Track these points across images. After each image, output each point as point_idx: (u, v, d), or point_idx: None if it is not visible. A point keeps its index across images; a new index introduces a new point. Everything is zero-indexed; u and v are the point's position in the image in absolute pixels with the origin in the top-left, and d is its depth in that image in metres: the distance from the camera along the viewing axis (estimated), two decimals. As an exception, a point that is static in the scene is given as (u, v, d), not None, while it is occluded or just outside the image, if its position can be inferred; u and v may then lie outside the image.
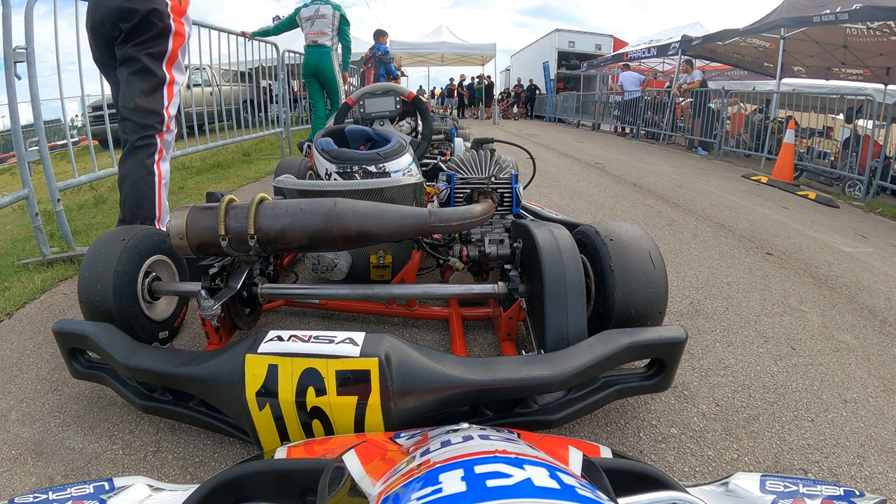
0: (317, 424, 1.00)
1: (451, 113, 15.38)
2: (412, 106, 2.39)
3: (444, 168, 2.07)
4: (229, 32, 4.98)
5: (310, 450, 0.77)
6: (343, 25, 5.45)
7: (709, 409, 1.38)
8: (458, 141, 3.00)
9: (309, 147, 2.28)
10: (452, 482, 0.46)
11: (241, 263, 1.46)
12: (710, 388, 1.49)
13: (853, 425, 1.34)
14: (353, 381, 0.98)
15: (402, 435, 0.76)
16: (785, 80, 8.50)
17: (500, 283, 1.48)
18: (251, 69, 6.04)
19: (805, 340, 1.82)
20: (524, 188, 2.08)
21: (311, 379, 0.98)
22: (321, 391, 0.98)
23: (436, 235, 1.85)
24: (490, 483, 0.45)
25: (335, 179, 1.75)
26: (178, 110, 2.35)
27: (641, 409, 1.37)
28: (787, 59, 7.99)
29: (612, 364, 1.13)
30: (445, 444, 0.59)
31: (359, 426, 0.99)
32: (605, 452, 0.73)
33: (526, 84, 19.19)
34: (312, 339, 1.03)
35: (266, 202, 1.26)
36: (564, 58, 18.00)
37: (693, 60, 9.35)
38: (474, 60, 17.06)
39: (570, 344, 1.18)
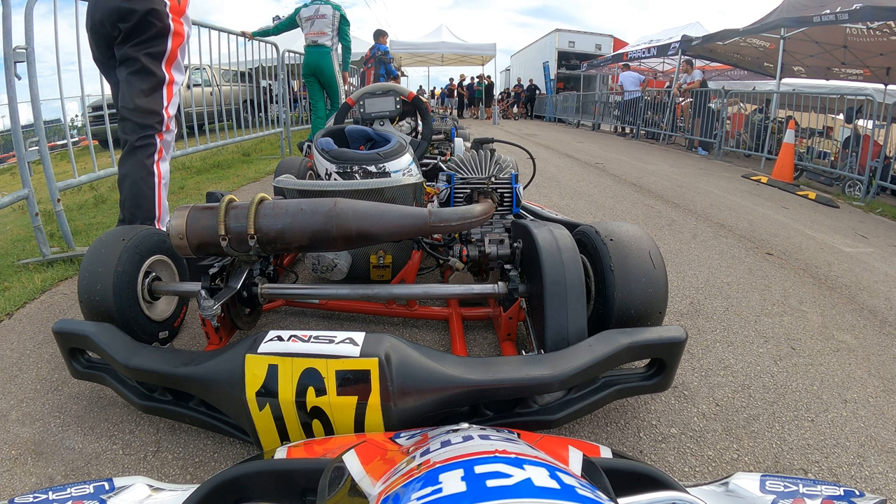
0: (317, 424, 1.00)
1: (451, 113, 15.38)
2: (412, 106, 2.39)
3: (444, 168, 2.07)
4: (229, 32, 4.98)
5: (310, 450, 0.77)
6: (343, 25, 5.45)
7: (709, 409, 1.38)
8: (458, 141, 3.00)
9: (309, 147, 2.28)
10: (452, 482, 0.46)
11: (241, 263, 1.46)
12: (710, 388, 1.49)
13: (853, 425, 1.34)
14: (353, 381, 0.98)
15: (402, 435, 0.76)
16: (785, 80, 8.50)
17: (500, 283, 1.48)
18: (251, 69, 6.04)
19: (805, 340, 1.82)
20: (524, 188, 2.08)
21: (311, 379, 0.98)
22: (321, 391, 0.98)
23: (436, 235, 1.85)
24: (490, 483, 0.45)
25: (335, 179, 1.75)
26: (178, 110, 2.35)
27: (641, 409, 1.37)
28: (787, 59, 7.99)
29: (612, 364, 1.13)
30: (445, 444, 0.59)
31: (359, 426, 0.99)
32: (605, 452, 0.73)
33: (526, 84, 19.19)
34: (312, 339, 1.03)
35: (266, 202, 1.26)
36: (564, 58, 18.00)
37: (693, 60, 9.35)
38: (474, 60, 17.06)
39: (570, 344, 1.18)
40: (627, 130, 10.89)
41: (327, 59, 5.41)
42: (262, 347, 1.02)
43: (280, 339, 1.04)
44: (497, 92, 18.10)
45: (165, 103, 2.13)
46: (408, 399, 1.00)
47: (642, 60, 12.14)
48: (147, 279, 1.49)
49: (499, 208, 1.97)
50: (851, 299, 2.24)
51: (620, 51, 13.67)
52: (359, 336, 1.04)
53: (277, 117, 6.49)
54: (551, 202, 3.88)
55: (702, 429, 1.30)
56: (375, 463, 0.62)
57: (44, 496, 0.66)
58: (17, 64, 2.23)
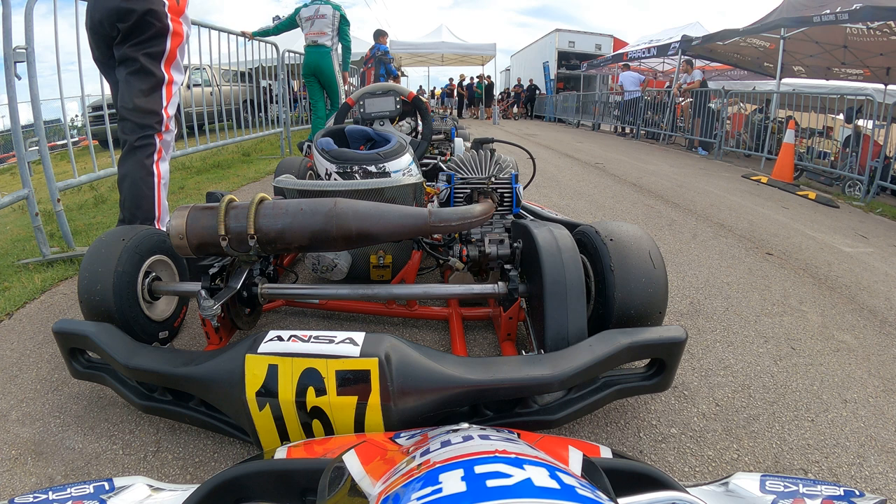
0: (317, 424, 1.00)
1: (450, 113, 15.38)
2: (412, 106, 2.39)
3: (444, 168, 2.07)
4: (229, 32, 4.98)
5: (310, 450, 0.77)
6: (343, 25, 5.44)
7: (709, 409, 1.38)
8: (458, 141, 3.00)
9: (309, 147, 2.28)
10: (452, 482, 0.46)
11: (241, 263, 1.46)
12: (710, 388, 1.49)
13: (853, 425, 1.34)
14: (353, 381, 0.98)
15: (402, 435, 0.76)
16: (785, 80, 8.50)
17: (500, 283, 1.48)
18: (251, 69, 6.04)
19: (805, 340, 1.82)
20: (524, 188, 2.08)
21: (311, 379, 0.98)
22: (321, 391, 0.98)
23: (436, 235, 1.85)
24: (490, 483, 0.45)
25: (335, 179, 1.75)
26: (178, 110, 2.35)
27: (641, 409, 1.37)
28: (787, 59, 7.99)
29: (612, 364, 1.13)
30: (445, 444, 0.59)
31: (359, 426, 0.99)
32: (605, 452, 0.73)
33: (526, 84, 19.19)
34: (312, 339, 1.03)
35: (266, 202, 1.26)
36: (564, 58, 18.00)
37: (693, 60, 9.35)
38: (474, 60, 17.05)
39: (570, 344, 1.18)
40: (627, 130, 10.89)
41: (327, 59, 5.41)
42: (262, 347, 1.02)
43: (280, 339, 1.04)
44: (497, 92, 18.10)
45: (165, 103, 2.13)
46: (408, 399, 1.00)
47: (642, 60, 12.14)
48: (147, 279, 1.49)
49: (499, 208, 1.97)
50: (851, 299, 2.24)
51: (620, 51, 13.67)
52: (359, 336, 1.04)
53: (277, 117, 6.49)
54: (551, 202, 3.88)
55: (702, 429, 1.30)
56: (375, 463, 0.62)
57: (44, 496, 0.66)
58: (17, 64, 2.23)
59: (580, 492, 0.45)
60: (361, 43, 10.59)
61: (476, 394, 1.06)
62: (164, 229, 1.63)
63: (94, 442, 1.24)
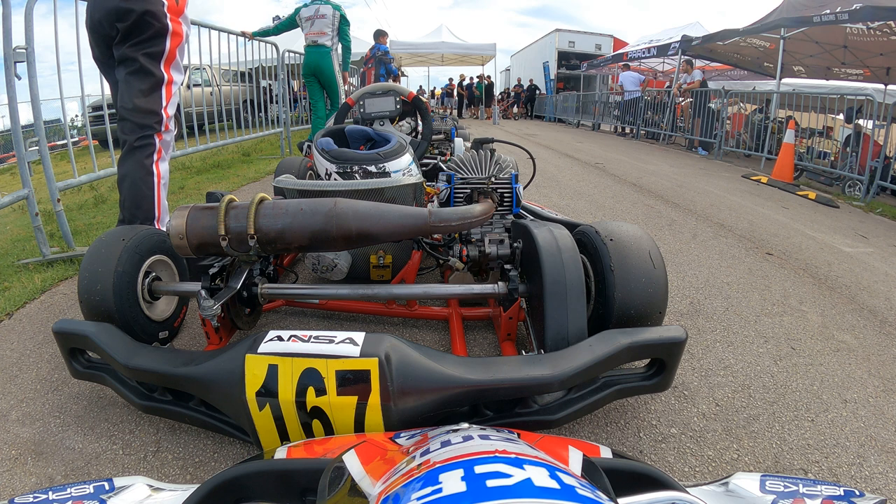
0: (317, 424, 1.00)
1: (450, 113, 15.38)
2: (412, 106, 2.39)
3: (444, 168, 2.07)
4: (229, 32, 4.98)
5: (310, 450, 0.77)
6: (343, 25, 5.45)
7: (709, 409, 1.38)
8: (458, 141, 3.00)
9: (309, 147, 2.28)
10: (452, 482, 0.46)
11: (241, 263, 1.46)
12: (710, 388, 1.49)
13: (853, 425, 1.34)
14: (353, 381, 0.98)
15: (402, 435, 0.76)
16: (785, 80, 8.50)
17: (500, 283, 1.48)
18: (251, 69, 6.04)
19: (805, 340, 1.82)
20: (524, 188, 2.08)
21: (311, 379, 0.98)
22: (321, 391, 0.98)
23: (436, 235, 1.85)
24: (490, 483, 0.45)
25: (335, 179, 1.75)
26: (178, 110, 2.35)
27: (641, 409, 1.37)
28: (787, 59, 7.99)
29: (612, 364, 1.13)
30: (445, 444, 0.59)
31: (359, 426, 0.99)
32: (605, 452, 0.73)
33: (526, 84, 19.18)
34: (312, 339, 1.03)
35: (266, 202, 1.26)
36: (564, 58, 18.00)
37: (693, 60, 9.35)
38: (474, 60, 17.05)
39: (570, 344, 1.18)
40: (627, 130, 10.89)
41: (327, 59, 5.41)
42: (262, 347, 1.02)
43: (280, 339, 1.04)
44: (497, 92, 18.10)
45: (164, 103, 2.13)
46: (408, 399, 1.00)
47: (642, 60, 12.14)
48: (147, 279, 1.49)
49: (499, 208, 1.97)
50: (851, 299, 2.24)
51: (620, 51, 13.67)
52: (359, 336, 1.04)
53: (277, 117, 6.49)
54: (551, 202, 3.88)
55: (702, 429, 1.30)
56: (375, 463, 0.62)
57: (44, 496, 0.66)
58: (17, 64, 2.23)
59: (580, 492, 0.45)
60: (361, 43, 10.59)
61: (476, 394, 1.06)
62: (164, 229, 1.63)
63: (94, 442, 1.24)
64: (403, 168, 1.80)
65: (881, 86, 7.94)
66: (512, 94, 19.88)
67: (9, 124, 2.49)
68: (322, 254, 1.77)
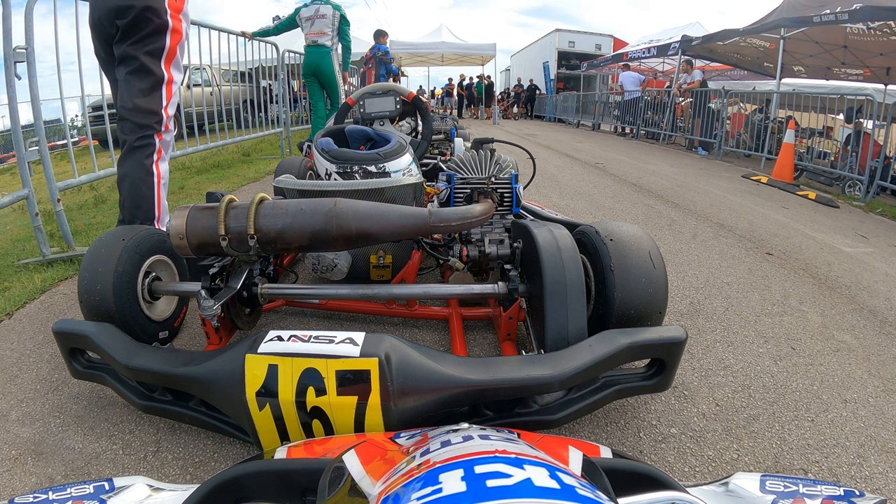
0: (317, 424, 1.00)
1: (450, 113, 15.38)
2: (412, 106, 2.39)
3: (444, 168, 2.07)
4: (229, 32, 4.98)
5: (310, 450, 0.77)
6: (343, 25, 5.45)
7: (709, 409, 1.38)
8: (458, 141, 3.00)
9: (309, 147, 2.28)
10: (452, 482, 0.46)
11: (241, 263, 1.46)
12: (710, 388, 1.49)
13: (853, 425, 1.34)
14: (353, 381, 0.98)
15: (402, 435, 0.76)
16: (785, 80, 8.50)
17: (500, 283, 1.48)
18: (251, 69, 6.04)
19: (805, 340, 1.82)
20: (524, 188, 2.08)
21: (311, 379, 0.98)
22: (321, 391, 0.98)
23: (436, 235, 1.85)
24: (490, 483, 0.45)
25: (335, 179, 1.75)
26: (178, 110, 2.35)
27: (641, 409, 1.37)
28: (787, 59, 7.99)
29: (612, 364, 1.13)
30: (445, 444, 0.59)
31: (359, 426, 0.99)
32: (605, 452, 0.73)
33: (526, 84, 19.18)
34: (312, 339, 1.03)
35: (266, 202, 1.26)
36: (564, 58, 18.00)
37: (693, 60, 9.35)
38: (474, 60, 17.05)
39: (570, 344, 1.18)
40: (627, 130, 10.89)
41: (327, 59, 5.41)
42: (262, 347, 1.02)
43: (280, 339, 1.04)
44: (497, 92, 18.10)
45: (164, 103, 2.13)
46: (408, 399, 1.00)
47: (642, 60, 12.14)
48: (147, 279, 1.49)
49: (499, 208, 1.97)
50: (851, 299, 2.24)
51: (620, 51, 13.67)
52: (359, 336, 1.04)
53: (277, 117, 6.49)
54: (551, 202, 3.88)
55: (702, 429, 1.30)
56: (375, 463, 0.62)
57: (44, 496, 0.66)
58: (17, 64, 2.23)
59: (580, 492, 0.45)
60: (361, 43, 10.59)
61: (476, 394, 1.06)
62: (164, 229, 1.63)
63: (94, 442, 1.24)
64: (403, 168, 1.80)
65: (881, 86, 7.94)
66: (512, 94, 19.88)
67: (9, 124, 2.49)
68: (322, 254, 1.77)
